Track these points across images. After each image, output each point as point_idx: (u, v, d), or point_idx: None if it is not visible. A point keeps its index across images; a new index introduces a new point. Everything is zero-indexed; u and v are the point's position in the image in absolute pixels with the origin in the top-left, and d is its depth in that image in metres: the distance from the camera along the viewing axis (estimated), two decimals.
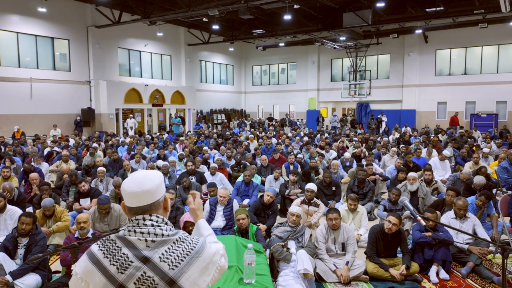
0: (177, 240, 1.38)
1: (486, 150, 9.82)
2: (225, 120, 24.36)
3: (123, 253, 1.33)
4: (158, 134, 17.04)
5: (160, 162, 9.29)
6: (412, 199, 6.23)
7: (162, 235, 1.37)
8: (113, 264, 1.32)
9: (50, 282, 4.02)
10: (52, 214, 5.18)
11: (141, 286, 1.30)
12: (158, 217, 1.41)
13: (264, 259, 3.94)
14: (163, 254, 1.34)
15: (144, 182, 1.41)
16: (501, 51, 20.02)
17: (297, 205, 5.54)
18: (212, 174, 8.05)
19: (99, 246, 1.36)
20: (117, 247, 1.34)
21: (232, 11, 16.02)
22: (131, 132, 17.55)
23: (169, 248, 1.35)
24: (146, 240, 1.34)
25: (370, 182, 6.98)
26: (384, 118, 21.41)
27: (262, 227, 5.26)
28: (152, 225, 1.38)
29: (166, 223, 1.42)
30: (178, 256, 1.35)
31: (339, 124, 22.45)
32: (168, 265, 1.32)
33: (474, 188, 6.42)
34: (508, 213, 5.47)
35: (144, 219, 1.38)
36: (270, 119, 24.90)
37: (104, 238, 1.39)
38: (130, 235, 1.35)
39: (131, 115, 19.72)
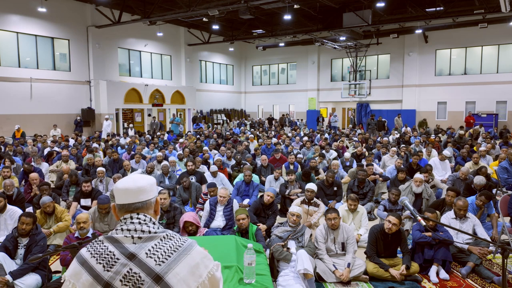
0: (164, 237, 1.36)
1: (482, 148, 9.78)
2: (225, 119, 24.35)
3: (110, 251, 1.33)
4: (158, 134, 17.04)
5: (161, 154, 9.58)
6: (416, 201, 6.21)
7: (149, 231, 1.36)
8: (100, 263, 1.32)
9: (50, 282, 4.03)
10: (53, 211, 5.18)
11: (127, 283, 1.29)
12: (145, 216, 1.40)
13: (264, 259, 3.93)
14: (149, 250, 1.32)
15: (138, 180, 1.43)
16: (501, 51, 20.02)
17: (297, 205, 5.54)
18: (213, 176, 8.05)
19: (88, 248, 1.37)
20: (104, 246, 1.34)
21: (232, 11, 16.02)
22: (131, 133, 17.54)
23: (156, 244, 1.34)
24: (132, 237, 1.34)
25: (370, 182, 6.98)
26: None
27: (262, 227, 5.26)
28: (139, 223, 1.37)
29: (154, 223, 1.41)
30: (165, 252, 1.32)
31: (368, 129, 19.58)
32: (155, 260, 1.30)
33: (474, 188, 6.41)
34: (508, 213, 5.46)
35: (131, 217, 1.39)
36: (270, 120, 24.78)
37: (93, 241, 1.40)
38: (117, 233, 1.36)
39: (106, 116, 17.58)
